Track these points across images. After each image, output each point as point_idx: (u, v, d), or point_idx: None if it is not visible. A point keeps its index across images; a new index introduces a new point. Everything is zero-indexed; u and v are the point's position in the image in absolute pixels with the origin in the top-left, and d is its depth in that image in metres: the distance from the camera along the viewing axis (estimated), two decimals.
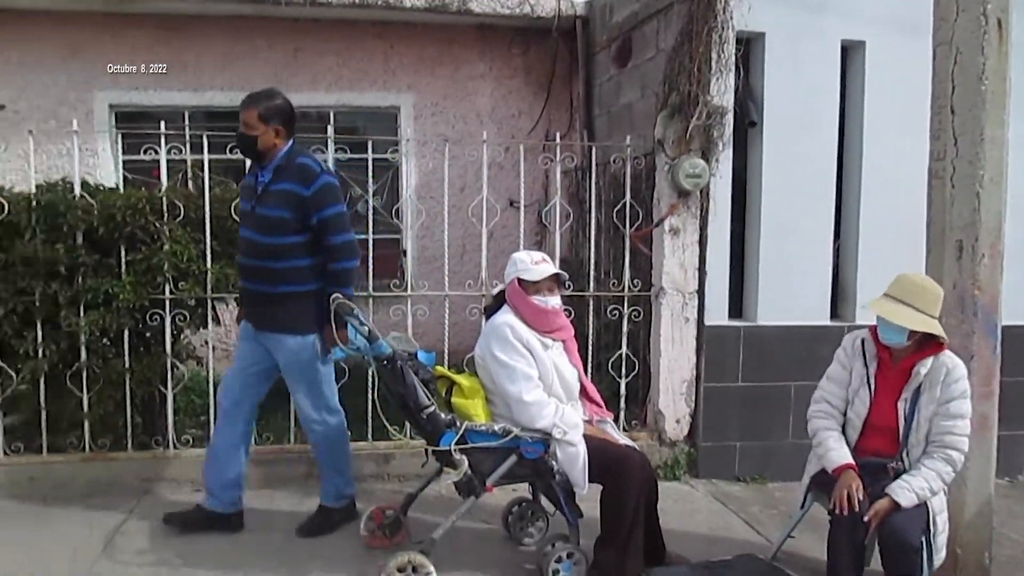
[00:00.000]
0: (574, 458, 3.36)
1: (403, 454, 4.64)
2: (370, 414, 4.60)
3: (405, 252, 7.04)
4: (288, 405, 4.82)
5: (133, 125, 6.81)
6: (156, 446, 4.49)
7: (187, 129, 6.57)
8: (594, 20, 6.92)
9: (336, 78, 7.05)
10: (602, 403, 3.75)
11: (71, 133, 4.49)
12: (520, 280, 3.52)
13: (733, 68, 4.80)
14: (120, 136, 6.81)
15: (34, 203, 4.23)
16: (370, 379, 4.56)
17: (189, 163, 4.75)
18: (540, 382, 3.42)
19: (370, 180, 4.81)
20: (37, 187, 4.36)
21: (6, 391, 4.30)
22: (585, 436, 3.40)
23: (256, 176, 3.75)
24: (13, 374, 4.27)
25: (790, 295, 4.96)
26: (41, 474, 4.34)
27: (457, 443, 3.29)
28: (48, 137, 6.34)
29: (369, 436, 4.66)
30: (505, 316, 3.51)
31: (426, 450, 3.50)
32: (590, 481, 3.38)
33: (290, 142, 3.71)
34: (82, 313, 4.24)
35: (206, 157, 4.45)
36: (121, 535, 3.87)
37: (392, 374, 3.35)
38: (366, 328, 3.36)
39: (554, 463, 3.37)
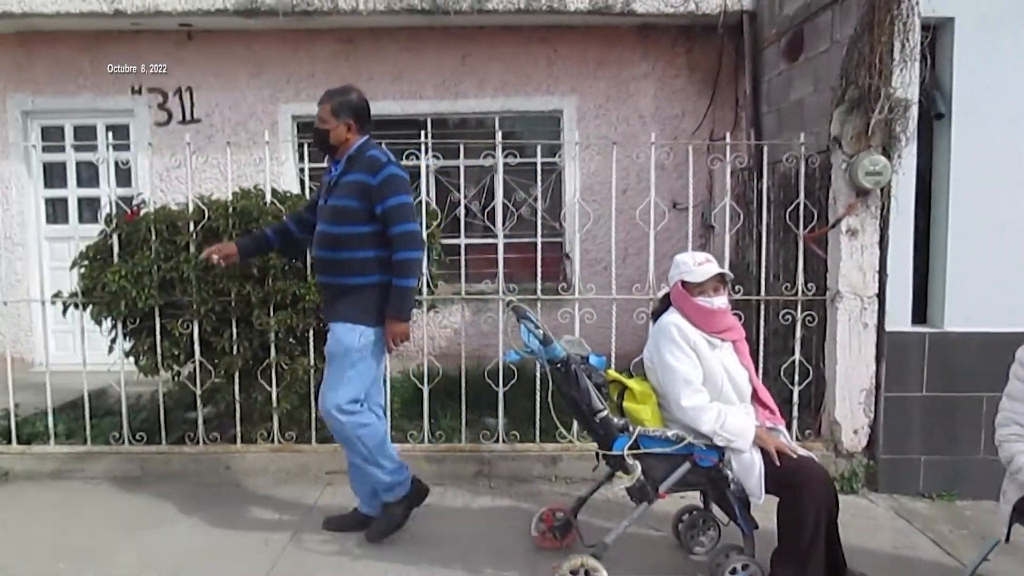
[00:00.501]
0: (750, 467, 3.27)
1: (570, 456, 4.67)
2: (537, 416, 4.66)
3: (568, 255, 7.11)
4: (454, 404, 4.98)
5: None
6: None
7: None
8: (762, 14, 6.72)
9: (501, 84, 7.20)
10: (775, 408, 3.61)
11: (263, 144, 4.81)
12: (684, 282, 3.47)
13: (918, 57, 4.52)
14: (300, 145, 7.22)
15: (231, 209, 4.56)
16: (537, 381, 4.62)
17: None
18: (703, 387, 3.35)
19: (539, 184, 4.87)
20: (233, 194, 4.70)
21: (205, 384, 4.66)
22: (761, 446, 3.30)
23: (331, 170, 3.84)
24: (212, 368, 4.62)
25: (982, 299, 4.61)
26: (235, 463, 4.68)
27: (630, 448, 3.28)
28: (238, 148, 6.81)
29: (536, 438, 4.72)
30: (672, 316, 3.47)
31: (597, 454, 3.50)
32: (766, 492, 3.28)
33: (363, 137, 3.77)
34: (272, 313, 4.53)
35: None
36: (307, 523, 4.10)
37: (565, 377, 3.37)
38: (541, 331, 3.40)
39: (729, 472, 3.30)
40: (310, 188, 6.41)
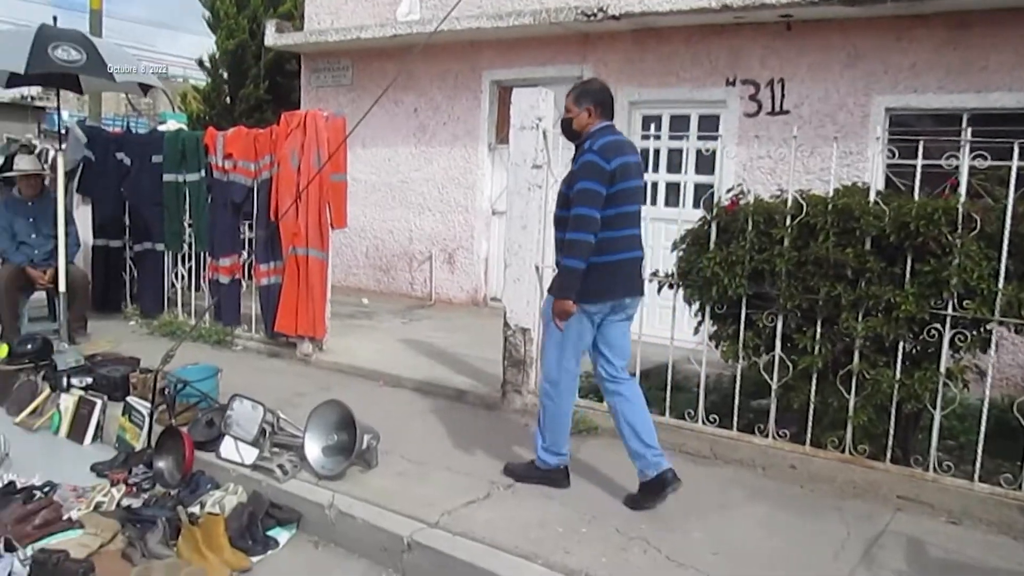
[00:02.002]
0: None
1: None
2: None
3: None
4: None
5: (903, 128, 6.69)
6: (915, 465, 4.33)
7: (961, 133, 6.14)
8: None
9: None
10: None
11: (852, 137, 4.57)
12: None
13: None
14: (886, 139, 6.77)
15: (830, 206, 4.42)
16: None
17: (965, 170, 4.25)
18: None
19: None
20: (834, 191, 4.53)
21: (783, 380, 4.62)
22: None
23: None
24: (790, 365, 4.56)
25: None
26: (800, 464, 4.56)
27: None
28: (823, 140, 6.64)
29: None
30: None
31: None
32: None
33: (601, 123, 3.92)
34: (860, 318, 4.30)
35: (1014, 165, 4.03)
36: (879, 548, 3.81)
37: None
38: None
39: None
40: (891, 182, 5.99)
